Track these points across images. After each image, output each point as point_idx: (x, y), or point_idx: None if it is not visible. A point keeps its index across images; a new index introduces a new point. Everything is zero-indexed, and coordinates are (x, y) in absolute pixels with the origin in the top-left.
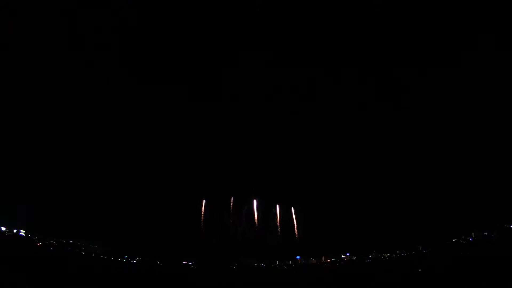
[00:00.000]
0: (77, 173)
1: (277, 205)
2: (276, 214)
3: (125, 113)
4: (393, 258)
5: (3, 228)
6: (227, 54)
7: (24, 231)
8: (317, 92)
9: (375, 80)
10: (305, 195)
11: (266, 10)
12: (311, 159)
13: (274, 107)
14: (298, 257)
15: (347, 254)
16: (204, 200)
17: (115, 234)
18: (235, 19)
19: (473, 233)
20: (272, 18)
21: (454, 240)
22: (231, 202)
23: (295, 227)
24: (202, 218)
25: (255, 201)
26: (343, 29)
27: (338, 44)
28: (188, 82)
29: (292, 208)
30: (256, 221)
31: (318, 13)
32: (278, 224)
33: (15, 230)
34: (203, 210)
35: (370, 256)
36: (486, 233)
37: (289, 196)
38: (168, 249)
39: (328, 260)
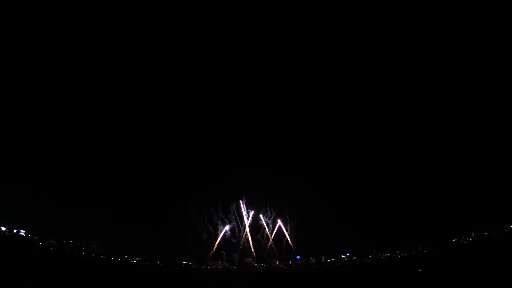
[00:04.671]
0: (77, 173)
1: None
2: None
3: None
4: (393, 258)
5: (3, 228)
6: None
7: (24, 231)
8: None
9: (375, 79)
10: (305, 195)
11: None
12: (311, 159)
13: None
14: (298, 257)
15: (347, 254)
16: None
17: (115, 234)
18: None
19: (473, 233)
20: None
21: (454, 240)
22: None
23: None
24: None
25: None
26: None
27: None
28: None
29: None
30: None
31: None
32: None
33: (15, 230)
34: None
35: (370, 256)
36: (486, 233)
37: (288, 196)
38: (169, 248)
39: (328, 260)
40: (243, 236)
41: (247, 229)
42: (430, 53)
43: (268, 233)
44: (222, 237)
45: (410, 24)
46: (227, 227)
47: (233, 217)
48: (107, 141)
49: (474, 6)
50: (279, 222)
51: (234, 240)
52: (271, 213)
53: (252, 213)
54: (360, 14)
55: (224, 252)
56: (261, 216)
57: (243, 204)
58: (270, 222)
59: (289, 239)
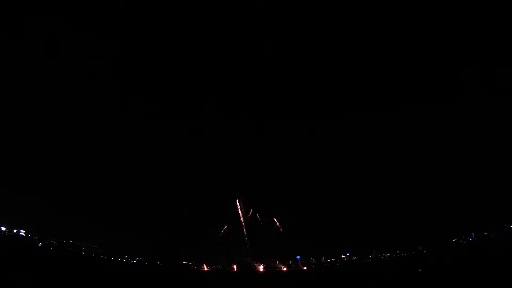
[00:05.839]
0: (78, 174)
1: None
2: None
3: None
4: (393, 258)
5: (3, 228)
6: None
7: (24, 231)
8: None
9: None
10: (305, 196)
11: None
12: (310, 158)
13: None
14: (298, 257)
15: (347, 254)
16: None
17: (115, 234)
18: None
19: (473, 233)
20: None
21: (454, 240)
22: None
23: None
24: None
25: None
26: None
27: None
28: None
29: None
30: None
31: None
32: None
33: (15, 230)
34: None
35: (370, 256)
36: (486, 233)
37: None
38: (170, 249)
39: (328, 260)
40: (241, 236)
41: (244, 228)
42: None
43: (266, 232)
44: (220, 236)
45: None
46: (225, 227)
47: (231, 216)
48: (108, 143)
49: None
50: (277, 222)
51: (232, 240)
52: (268, 212)
53: (249, 212)
54: None
55: (222, 252)
56: (258, 215)
57: (240, 203)
58: (267, 221)
59: (287, 239)
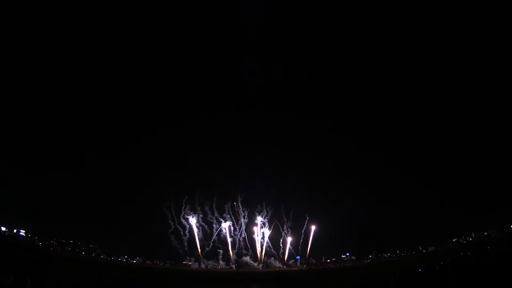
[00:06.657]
0: (77, 173)
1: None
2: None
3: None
4: (393, 258)
5: (3, 228)
6: None
7: (24, 231)
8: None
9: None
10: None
11: None
12: (310, 155)
13: None
14: (298, 257)
15: (347, 254)
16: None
17: (115, 234)
18: None
19: (473, 233)
20: None
21: (454, 240)
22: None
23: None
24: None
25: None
26: None
27: None
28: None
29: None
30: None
31: None
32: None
33: (15, 230)
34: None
35: (370, 256)
36: (486, 233)
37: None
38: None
39: (328, 260)
40: (239, 235)
41: (243, 228)
42: None
43: (264, 232)
44: (218, 236)
45: None
46: (224, 225)
47: (229, 216)
48: (103, 136)
49: None
50: (276, 221)
51: (231, 239)
52: (267, 212)
53: (247, 212)
54: None
55: (221, 251)
56: (256, 214)
57: (238, 202)
58: (266, 221)
59: (286, 239)
